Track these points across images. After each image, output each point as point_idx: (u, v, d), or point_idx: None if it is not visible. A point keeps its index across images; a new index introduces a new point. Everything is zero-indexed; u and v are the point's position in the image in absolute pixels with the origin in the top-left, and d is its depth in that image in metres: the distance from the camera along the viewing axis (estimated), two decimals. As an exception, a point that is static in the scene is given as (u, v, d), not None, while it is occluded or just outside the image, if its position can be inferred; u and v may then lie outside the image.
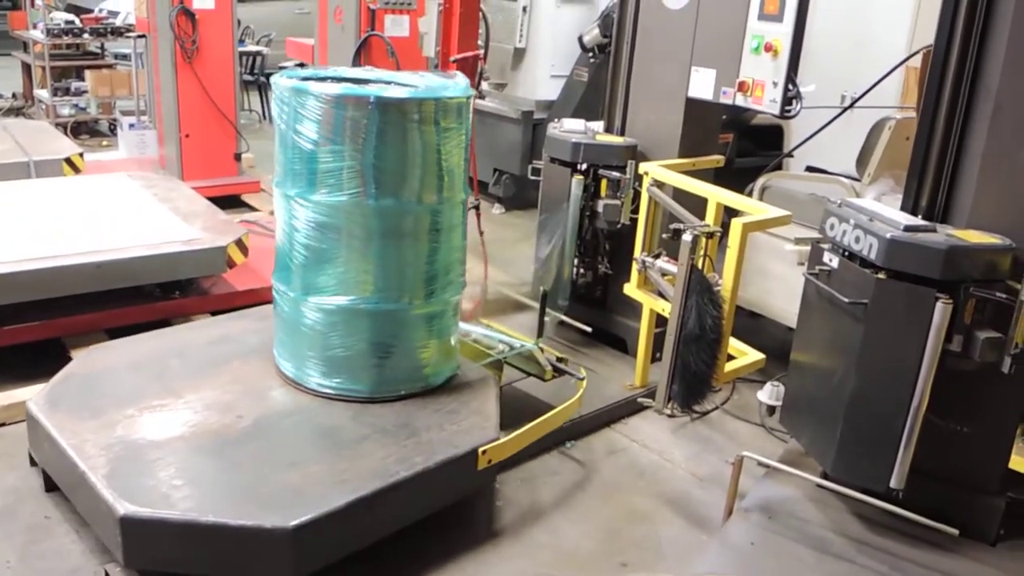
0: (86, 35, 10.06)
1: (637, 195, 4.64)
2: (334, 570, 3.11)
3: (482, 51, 5.41)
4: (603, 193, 4.82)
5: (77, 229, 5.01)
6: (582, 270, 5.19)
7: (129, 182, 6.04)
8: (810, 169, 5.76)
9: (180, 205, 5.60)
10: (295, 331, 3.79)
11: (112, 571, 3.11)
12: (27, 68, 10.83)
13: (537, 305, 4.32)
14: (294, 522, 2.94)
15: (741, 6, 4.28)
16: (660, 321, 4.63)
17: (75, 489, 3.29)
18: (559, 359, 4.25)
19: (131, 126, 8.33)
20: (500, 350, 4.29)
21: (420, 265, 3.73)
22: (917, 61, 5.12)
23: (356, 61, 6.41)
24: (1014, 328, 2.89)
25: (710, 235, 3.74)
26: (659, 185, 4.45)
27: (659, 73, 4.80)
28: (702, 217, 4.09)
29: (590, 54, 7.62)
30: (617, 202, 4.75)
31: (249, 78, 11.57)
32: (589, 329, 4.90)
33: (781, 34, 4.13)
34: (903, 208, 3.31)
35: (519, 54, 8.24)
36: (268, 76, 10.73)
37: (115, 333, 4.55)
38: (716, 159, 4.92)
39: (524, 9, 8.02)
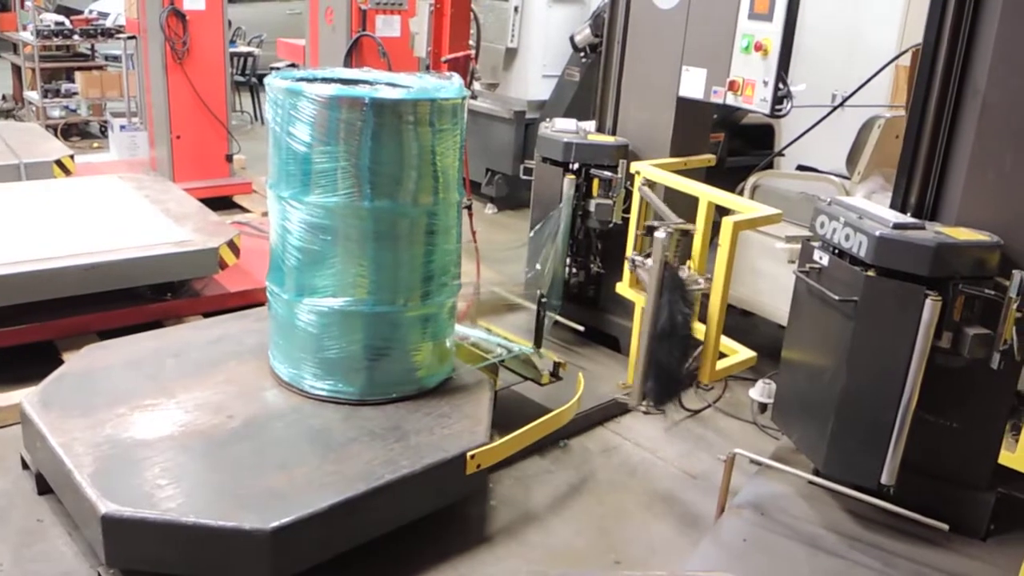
0: (76, 36, 10.03)
1: (629, 194, 4.65)
2: (325, 569, 3.12)
3: (473, 51, 5.41)
4: (595, 193, 4.84)
5: (68, 231, 5.00)
6: (574, 269, 5.20)
7: (120, 184, 6.03)
8: (801, 168, 5.78)
9: (171, 207, 5.60)
10: (289, 333, 3.79)
11: (106, 573, 3.11)
12: (17, 70, 10.80)
13: (530, 304, 4.32)
14: (273, 524, 2.94)
15: (731, 5, 4.30)
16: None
17: (63, 488, 3.30)
18: (556, 363, 4.25)
19: (122, 128, 8.32)
20: (497, 354, 4.29)
21: (415, 267, 3.74)
22: (906, 60, 5.15)
23: (348, 62, 6.41)
24: (1003, 324, 2.90)
25: (684, 233, 3.75)
26: (650, 184, 4.46)
27: (650, 73, 4.81)
28: (693, 216, 4.11)
29: (581, 54, 7.64)
30: (609, 201, 4.76)
31: (240, 79, 11.56)
32: (582, 328, 4.92)
33: (771, 33, 4.14)
34: (892, 206, 3.33)
35: (511, 54, 8.25)
36: (259, 77, 10.77)
37: (107, 335, 4.54)
38: (707, 158, 4.94)
39: (515, 9, 8.03)
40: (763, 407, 4.06)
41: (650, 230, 3.77)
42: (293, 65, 9.06)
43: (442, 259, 3.81)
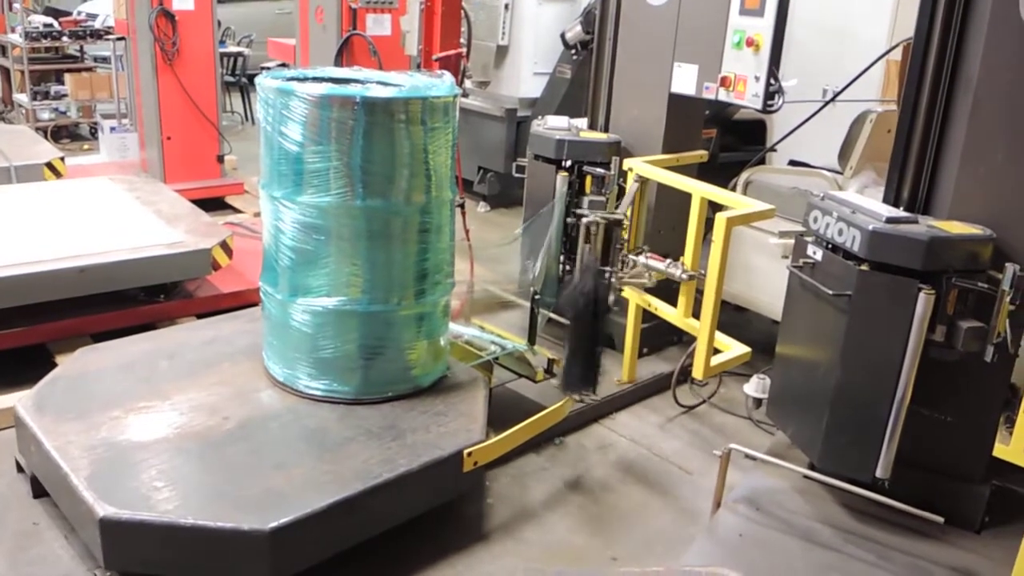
0: (65, 38, 10.01)
1: (622, 191, 4.65)
2: (323, 568, 3.12)
3: (464, 49, 5.41)
4: (588, 190, 4.83)
5: (60, 234, 4.98)
6: (568, 267, 5.20)
7: (111, 186, 6.01)
8: (793, 163, 5.79)
9: (163, 208, 5.58)
10: (283, 333, 3.79)
11: (102, 576, 3.11)
12: (6, 72, 10.76)
13: (523, 302, 4.32)
14: (272, 524, 2.94)
15: (722, 1, 4.30)
16: (647, 317, 4.66)
17: (59, 491, 3.29)
18: (551, 361, 4.25)
19: (112, 129, 8.30)
20: (491, 351, 4.29)
21: (409, 266, 3.73)
22: (898, 54, 5.16)
23: (338, 61, 6.41)
24: (996, 317, 2.92)
25: (616, 223, 3.87)
26: (643, 181, 4.47)
27: (642, 69, 4.81)
28: (686, 213, 4.12)
29: (573, 51, 7.63)
30: (602, 199, 4.75)
31: (231, 79, 11.52)
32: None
33: (762, 29, 4.15)
34: (885, 200, 3.34)
35: (502, 52, 8.24)
36: (250, 77, 10.73)
37: (100, 338, 4.51)
38: (700, 154, 4.94)
39: (506, 7, 8.02)
40: (758, 402, 4.08)
41: (579, 218, 3.83)
42: (283, 65, 9.04)
43: (435, 257, 3.81)
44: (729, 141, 6.45)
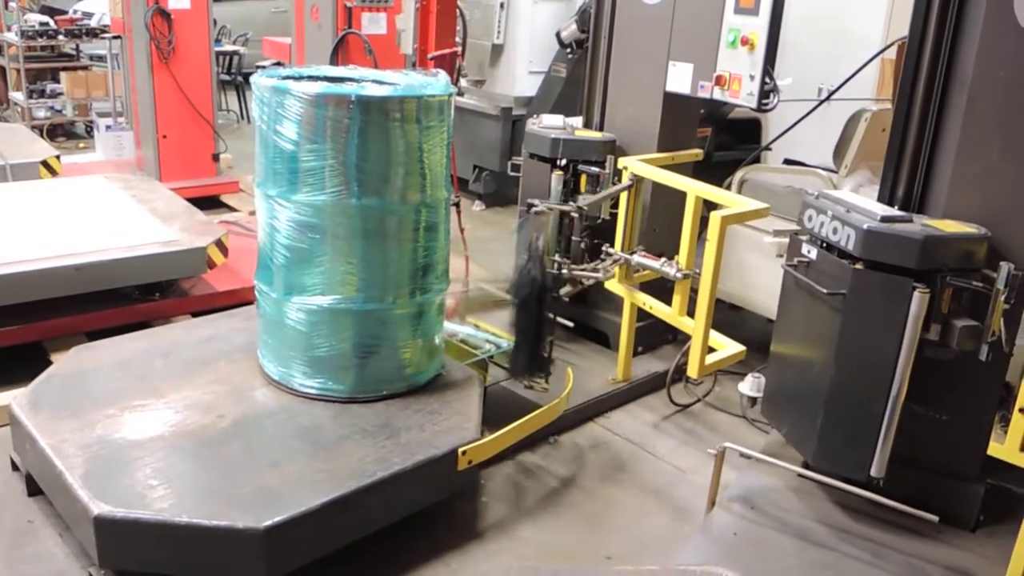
0: (61, 37, 9.97)
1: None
2: (318, 566, 3.12)
3: (460, 48, 5.41)
4: (583, 188, 4.83)
5: (55, 232, 4.98)
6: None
7: (107, 184, 6.01)
8: (788, 162, 5.80)
9: (158, 206, 5.58)
10: (278, 331, 3.78)
11: (97, 574, 3.10)
12: (1, 70, 10.72)
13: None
14: (267, 522, 2.94)
15: (717, 0, 4.30)
16: (642, 315, 4.66)
17: (54, 489, 3.29)
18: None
19: (108, 128, 8.28)
20: (486, 349, 4.29)
21: (404, 264, 3.73)
22: (893, 53, 5.16)
23: (334, 59, 6.40)
24: (991, 316, 2.92)
25: (565, 213, 3.97)
26: (638, 180, 4.47)
27: (637, 68, 4.81)
28: (681, 211, 4.12)
29: (568, 50, 7.63)
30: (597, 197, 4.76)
31: (226, 78, 11.52)
32: (571, 324, 4.93)
33: (757, 28, 4.15)
34: (880, 199, 3.34)
35: (497, 50, 8.24)
36: (245, 76, 10.74)
37: (95, 336, 4.51)
38: (695, 153, 4.95)
39: (502, 5, 8.02)
40: (753, 401, 4.07)
41: (530, 207, 3.94)
42: (279, 63, 9.03)
43: (430, 256, 3.81)
44: (724, 140, 6.46)
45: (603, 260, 4.54)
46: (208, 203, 7.34)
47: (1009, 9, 2.93)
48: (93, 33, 9.95)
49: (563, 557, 3.55)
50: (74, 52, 10.66)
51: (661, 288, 4.47)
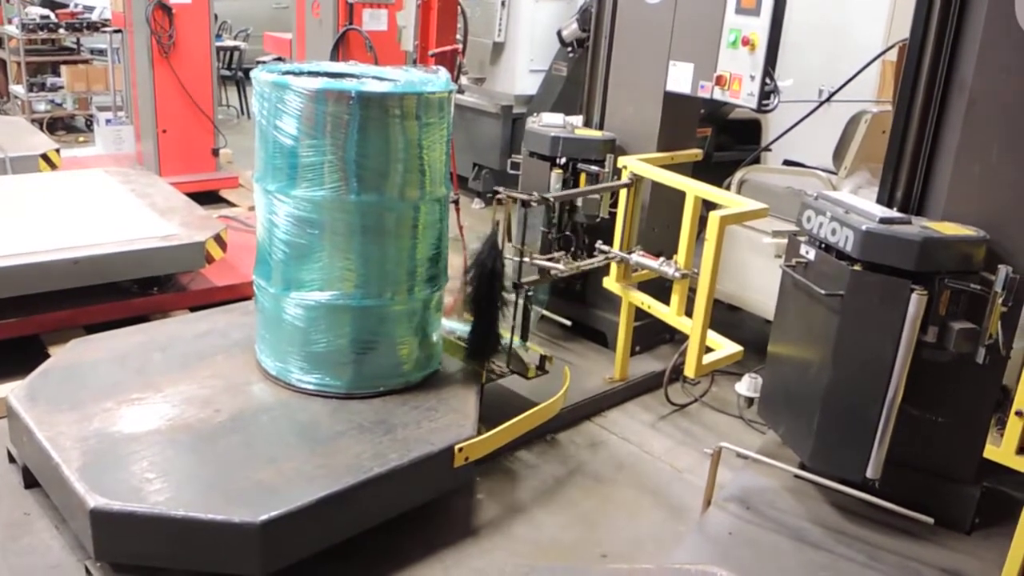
0: (62, 30, 9.97)
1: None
2: (313, 561, 3.12)
3: (460, 45, 5.40)
4: (582, 187, 4.83)
5: (54, 225, 4.97)
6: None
7: (106, 178, 6.00)
8: (787, 163, 5.80)
9: (158, 201, 5.58)
10: (276, 327, 3.78)
11: (93, 567, 3.10)
12: (2, 63, 10.72)
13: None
14: (263, 517, 2.94)
15: (718, 0, 4.30)
16: (639, 315, 4.66)
17: (50, 482, 3.29)
18: (543, 357, 4.25)
19: (108, 122, 8.27)
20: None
21: (402, 261, 3.73)
22: (893, 55, 5.16)
23: (334, 55, 6.39)
24: (988, 319, 2.92)
25: (525, 203, 4.03)
26: (638, 179, 4.47)
27: (637, 67, 4.81)
28: (680, 211, 4.13)
29: (569, 48, 7.63)
30: (596, 196, 4.76)
31: (227, 73, 11.50)
32: (569, 323, 4.93)
33: (758, 28, 4.15)
34: (879, 201, 3.34)
35: (498, 48, 8.24)
36: (246, 71, 10.73)
37: (93, 329, 4.51)
38: (694, 153, 4.95)
39: (503, 3, 8.01)
40: (749, 401, 4.09)
41: (496, 194, 4.00)
42: (279, 59, 9.03)
43: (429, 252, 3.81)
44: (724, 140, 6.47)
45: (595, 255, 4.55)
46: (207, 198, 7.32)
47: (1010, 12, 2.93)
48: (94, 27, 9.96)
49: (558, 555, 3.55)
50: (75, 46, 10.68)
51: (659, 288, 4.47)
